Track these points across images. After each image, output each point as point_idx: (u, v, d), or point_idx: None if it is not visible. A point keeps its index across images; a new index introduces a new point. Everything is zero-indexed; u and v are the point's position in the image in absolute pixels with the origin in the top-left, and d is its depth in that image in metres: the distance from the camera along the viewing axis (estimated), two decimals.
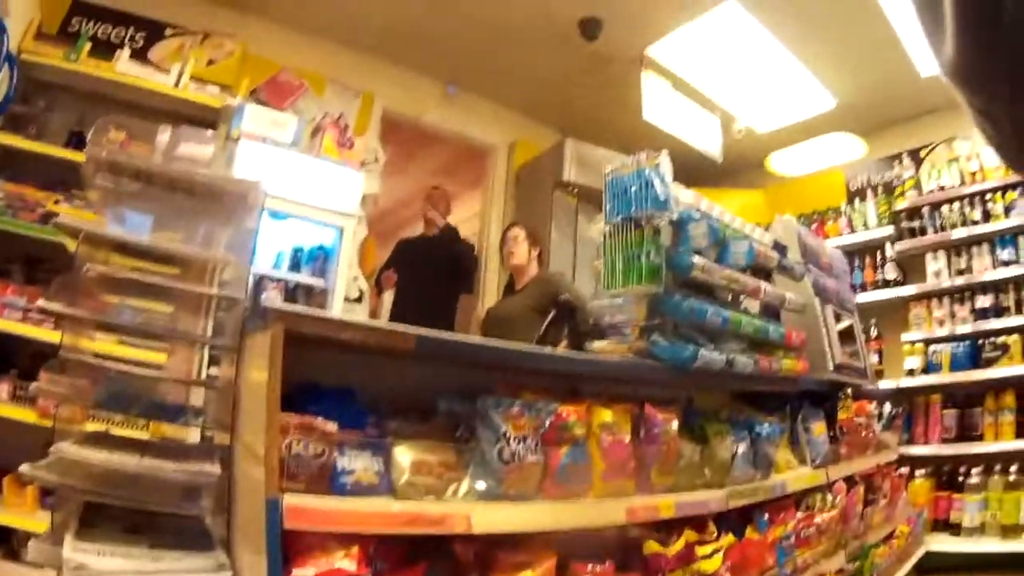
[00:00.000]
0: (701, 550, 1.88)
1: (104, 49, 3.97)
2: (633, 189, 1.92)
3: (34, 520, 2.78)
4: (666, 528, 1.86)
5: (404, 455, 1.41)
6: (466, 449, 1.50)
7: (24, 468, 1.39)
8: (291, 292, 3.77)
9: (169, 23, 4.47)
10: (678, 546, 1.82)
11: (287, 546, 1.18)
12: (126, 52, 3.91)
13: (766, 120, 5.66)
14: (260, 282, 3.60)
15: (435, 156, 7.15)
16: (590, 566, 1.62)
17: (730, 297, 2.36)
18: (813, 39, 4.61)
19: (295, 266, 3.91)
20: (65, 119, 3.75)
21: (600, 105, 5.77)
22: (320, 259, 3.97)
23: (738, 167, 6.15)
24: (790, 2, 4.23)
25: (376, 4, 4.72)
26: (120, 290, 1.61)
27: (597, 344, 2.08)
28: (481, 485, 1.46)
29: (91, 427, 1.67)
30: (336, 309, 3.78)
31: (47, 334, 2.94)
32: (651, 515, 1.77)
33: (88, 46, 3.79)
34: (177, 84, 3.93)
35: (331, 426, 1.32)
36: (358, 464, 1.36)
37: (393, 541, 1.34)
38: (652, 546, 1.79)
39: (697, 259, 1.95)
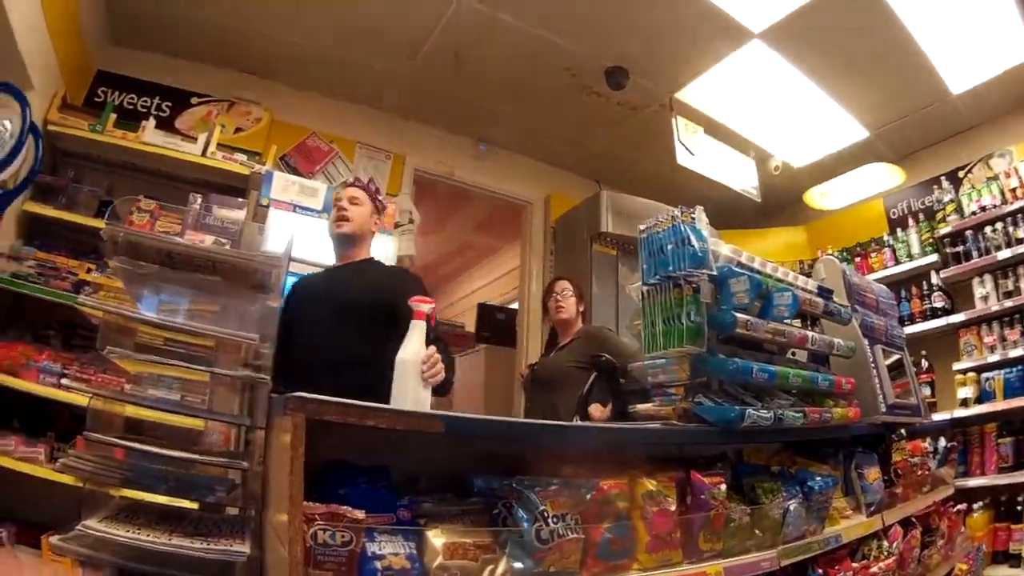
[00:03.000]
0: None
1: (130, 118, 3.94)
2: (669, 247, 1.79)
3: None
4: None
5: (437, 538, 1.29)
6: (503, 530, 1.37)
7: (54, 540, 1.33)
8: None
9: (195, 92, 4.49)
10: None
11: None
12: (152, 122, 3.86)
13: (802, 154, 5.49)
14: None
15: (471, 212, 7.13)
16: None
17: (776, 348, 2.20)
18: (839, 70, 4.49)
19: None
20: (94, 188, 3.68)
21: (633, 154, 5.69)
22: None
23: (778, 204, 6.01)
24: (814, 36, 4.12)
25: (402, 67, 4.69)
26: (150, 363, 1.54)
27: (641, 406, 1.94)
28: (519, 566, 1.33)
29: (126, 492, 1.61)
30: None
31: (84, 400, 2.88)
32: None
33: (114, 116, 3.75)
34: (204, 153, 3.84)
35: (359, 514, 1.22)
36: (388, 549, 1.25)
37: None
38: None
39: (740, 316, 1.80)
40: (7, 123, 2.64)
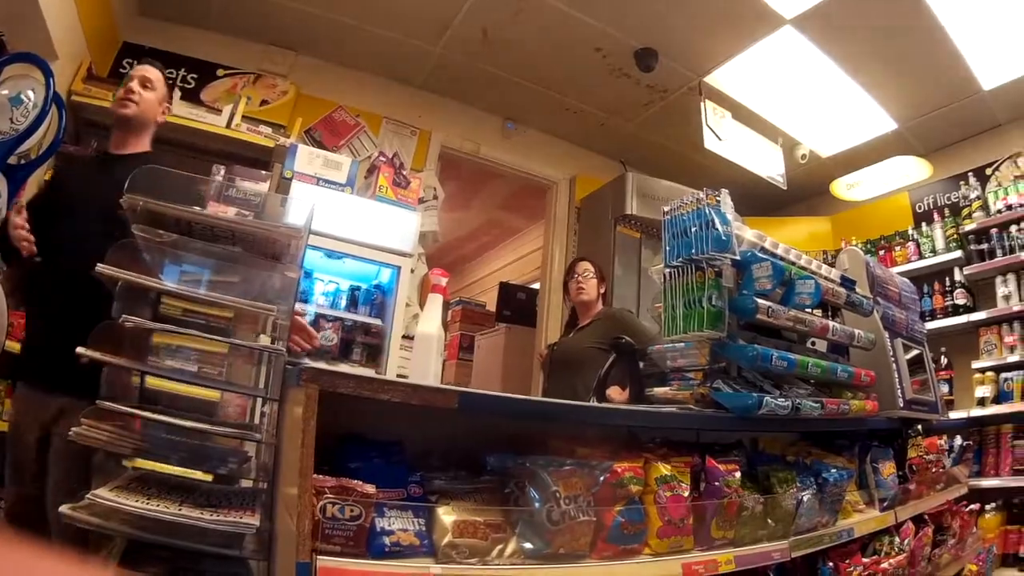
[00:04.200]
0: None
1: None
2: (693, 230, 1.74)
3: None
4: None
5: (448, 515, 1.27)
6: (514, 509, 1.34)
7: (64, 509, 1.30)
8: (348, 330, 3.65)
9: (221, 64, 4.44)
10: None
11: None
12: (177, 93, 3.75)
13: (829, 143, 5.39)
14: (317, 321, 3.50)
15: (496, 191, 7.05)
16: None
17: (796, 336, 2.14)
18: (871, 61, 4.38)
19: (352, 304, 3.78)
20: None
21: (661, 136, 5.60)
22: (377, 297, 3.83)
23: (804, 193, 5.91)
24: (846, 24, 4.02)
25: (430, 43, 4.63)
26: (168, 334, 1.50)
27: (659, 390, 1.90)
28: (528, 546, 1.31)
29: (139, 463, 1.58)
30: (393, 347, 3.63)
31: None
32: (709, 571, 1.58)
33: None
34: (229, 124, 3.79)
35: (369, 488, 1.20)
36: (398, 525, 1.23)
37: None
38: None
39: (761, 302, 1.75)
40: (30, 93, 2.59)
